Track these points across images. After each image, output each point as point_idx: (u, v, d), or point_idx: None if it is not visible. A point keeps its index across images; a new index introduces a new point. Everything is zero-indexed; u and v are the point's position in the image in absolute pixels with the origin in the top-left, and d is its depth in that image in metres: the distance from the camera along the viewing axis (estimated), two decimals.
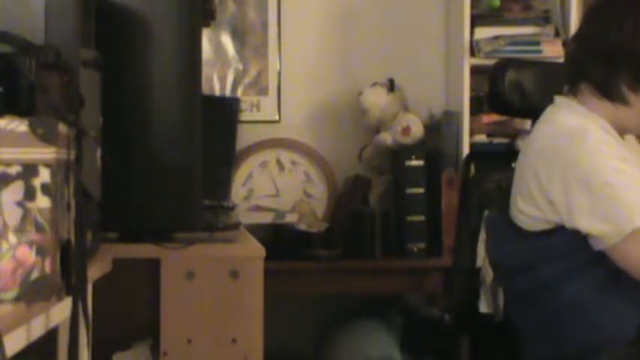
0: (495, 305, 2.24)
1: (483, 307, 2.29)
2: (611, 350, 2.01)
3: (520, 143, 3.24)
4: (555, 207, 2.02)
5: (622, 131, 2.13)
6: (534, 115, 2.25)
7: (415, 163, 3.52)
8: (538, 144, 2.11)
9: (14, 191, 1.44)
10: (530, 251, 2.10)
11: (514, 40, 3.58)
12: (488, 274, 2.27)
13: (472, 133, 3.54)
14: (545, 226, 2.05)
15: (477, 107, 3.54)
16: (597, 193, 1.97)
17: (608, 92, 2.09)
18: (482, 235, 2.30)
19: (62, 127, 1.51)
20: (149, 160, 2.23)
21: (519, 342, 2.19)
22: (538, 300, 2.10)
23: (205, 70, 2.94)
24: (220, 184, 3.10)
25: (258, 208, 3.80)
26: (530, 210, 2.07)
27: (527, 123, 2.87)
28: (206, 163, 2.28)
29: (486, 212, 2.31)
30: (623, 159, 2.02)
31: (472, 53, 3.56)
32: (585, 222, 1.99)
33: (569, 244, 2.02)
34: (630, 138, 2.19)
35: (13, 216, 1.44)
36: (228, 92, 3.82)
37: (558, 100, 2.18)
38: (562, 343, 2.09)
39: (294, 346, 3.76)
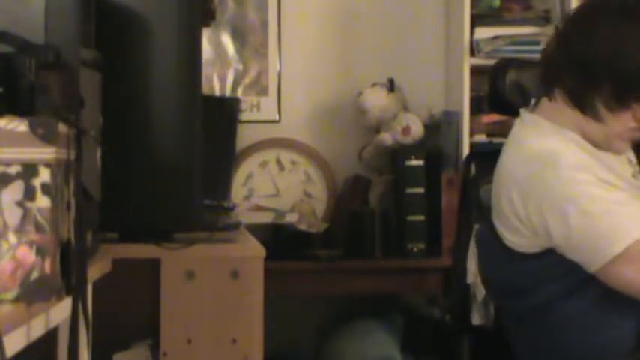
0: (487, 316, 2.24)
1: (476, 320, 2.29)
2: None
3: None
4: (540, 236, 2.02)
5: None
6: None
7: (415, 163, 3.52)
8: (510, 170, 2.07)
9: (14, 191, 1.44)
10: (531, 273, 2.08)
11: (514, 40, 3.58)
12: (479, 291, 2.27)
13: (472, 133, 3.54)
14: (536, 249, 2.04)
15: (477, 107, 3.54)
16: (573, 223, 1.96)
17: (582, 105, 2.03)
18: (473, 250, 2.29)
19: (62, 127, 1.51)
20: (149, 160, 2.23)
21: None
22: (538, 318, 2.09)
23: (205, 70, 2.94)
24: (220, 184, 3.10)
25: (258, 208, 3.80)
26: (516, 238, 2.05)
27: None
28: (206, 163, 2.28)
29: (476, 226, 2.30)
30: (597, 180, 1.98)
31: (472, 53, 3.56)
32: (567, 251, 2.00)
33: (564, 265, 2.01)
34: None
35: (13, 216, 1.44)
36: (228, 92, 3.81)
37: (525, 116, 2.13)
38: (564, 357, 2.08)
39: (294, 346, 3.76)
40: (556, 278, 2.05)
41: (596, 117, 2.03)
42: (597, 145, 2.06)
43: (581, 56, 2.02)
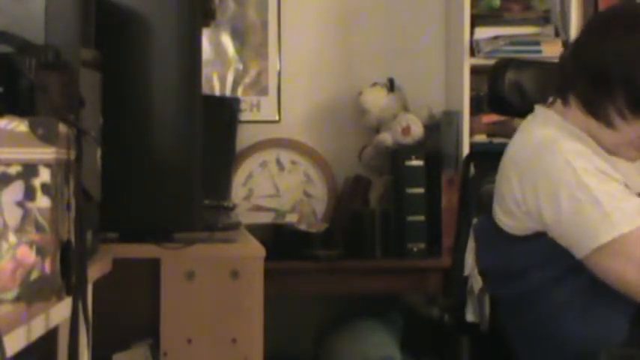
0: (481, 314, 2.25)
1: (470, 316, 2.30)
2: (608, 351, 2.01)
3: None
4: (533, 218, 2.03)
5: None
6: None
7: (415, 163, 3.52)
8: (512, 155, 2.12)
9: (14, 191, 1.44)
10: (520, 257, 2.10)
11: (514, 40, 3.58)
12: (476, 283, 2.27)
13: (472, 133, 3.54)
14: (527, 232, 2.06)
15: (477, 107, 3.54)
16: (564, 207, 1.98)
17: (595, 113, 2.05)
18: (471, 244, 2.30)
19: (62, 127, 1.51)
20: (149, 160, 2.23)
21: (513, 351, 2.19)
22: (531, 304, 2.10)
23: (205, 70, 2.94)
24: (220, 184, 3.10)
25: (258, 208, 3.80)
26: (509, 221, 2.08)
27: None
28: (206, 163, 2.28)
29: (475, 220, 2.31)
30: (595, 170, 2.00)
31: (472, 53, 3.56)
32: (557, 234, 2.01)
33: (556, 249, 2.03)
34: None
35: (13, 216, 1.44)
36: (228, 92, 3.82)
37: (538, 110, 2.16)
38: (557, 346, 2.09)
39: (294, 346, 3.76)
40: (542, 265, 2.07)
41: (609, 124, 2.05)
42: (607, 151, 2.09)
43: (594, 66, 2.05)
